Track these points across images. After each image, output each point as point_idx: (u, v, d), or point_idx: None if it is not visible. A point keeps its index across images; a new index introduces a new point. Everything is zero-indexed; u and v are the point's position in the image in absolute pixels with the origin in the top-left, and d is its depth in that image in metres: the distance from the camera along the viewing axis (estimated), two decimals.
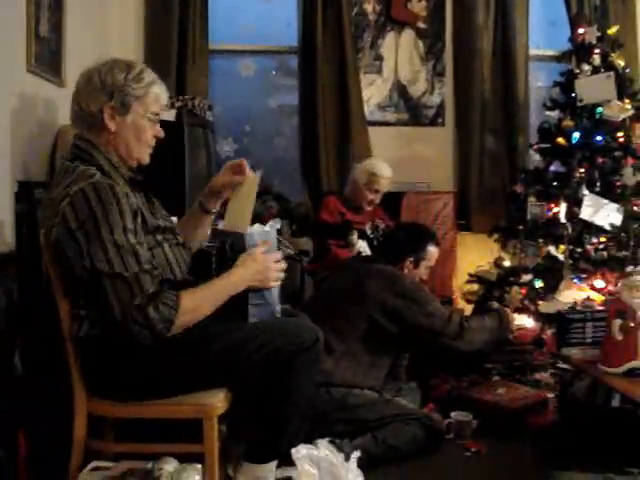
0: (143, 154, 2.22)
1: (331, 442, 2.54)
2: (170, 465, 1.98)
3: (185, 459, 2.02)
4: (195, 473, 1.93)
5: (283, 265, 2.27)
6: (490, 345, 3.22)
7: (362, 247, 4.11)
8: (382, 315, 3.04)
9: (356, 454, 2.28)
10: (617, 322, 2.64)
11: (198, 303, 2.07)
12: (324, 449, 2.28)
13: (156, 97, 2.19)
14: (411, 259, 3.25)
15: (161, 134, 2.25)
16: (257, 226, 2.31)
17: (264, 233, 2.28)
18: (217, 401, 2.18)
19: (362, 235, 4.16)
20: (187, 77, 4.71)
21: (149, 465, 2.02)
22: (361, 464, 2.29)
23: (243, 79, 5.31)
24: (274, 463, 2.28)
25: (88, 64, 2.18)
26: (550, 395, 3.45)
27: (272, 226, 2.33)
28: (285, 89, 5.41)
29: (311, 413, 2.41)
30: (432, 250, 3.32)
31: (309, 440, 2.46)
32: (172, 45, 4.80)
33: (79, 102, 2.14)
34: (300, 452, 2.18)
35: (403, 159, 5.10)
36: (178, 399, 2.17)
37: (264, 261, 2.21)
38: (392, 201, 4.64)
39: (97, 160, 2.11)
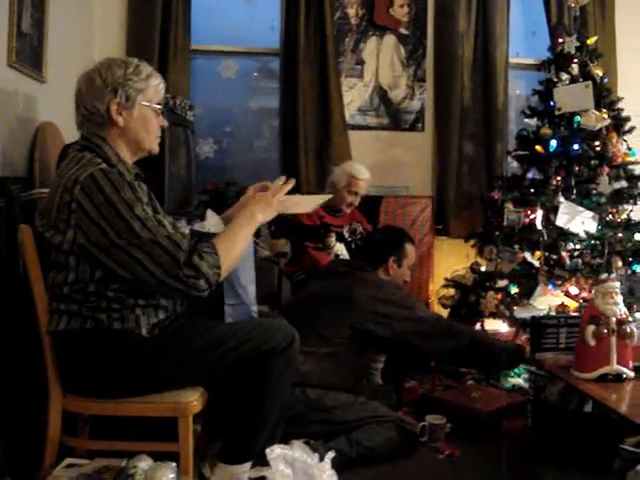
0: (153, 144, 2.28)
1: (306, 443, 2.55)
2: (144, 463, 1.98)
3: (160, 457, 2.02)
4: (169, 471, 1.93)
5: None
6: (478, 358, 3.25)
7: (340, 250, 4.13)
8: (372, 322, 3.09)
9: (330, 455, 2.28)
10: (590, 328, 2.67)
11: (231, 244, 2.13)
12: (298, 450, 2.28)
13: (156, 88, 2.25)
14: (394, 258, 3.34)
15: (165, 124, 2.32)
16: None
17: None
18: (192, 400, 2.19)
19: (340, 238, 4.17)
20: (169, 76, 4.71)
21: (123, 463, 2.01)
22: (335, 465, 2.29)
23: (224, 80, 5.31)
24: (248, 463, 2.29)
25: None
26: (523, 399, 3.48)
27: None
28: (266, 91, 5.41)
29: (286, 414, 2.43)
30: (410, 248, 3.43)
31: (284, 441, 2.47)
32: (154, 44, 4.79)
33: (84, 104, 2.18)
34: (274, 452, 2.18)
35: (382, 163, 5.13)
36: (153, 397, 2.18)
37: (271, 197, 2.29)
38: (370, 205, 4.66)
39: (105, 152, 2.15)
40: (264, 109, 5.45)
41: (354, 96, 5.23)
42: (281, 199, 2.31)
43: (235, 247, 2.15)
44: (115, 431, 2.26)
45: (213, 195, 4.61)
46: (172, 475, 1.92)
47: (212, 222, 2.32)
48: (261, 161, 5.43)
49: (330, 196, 2.60)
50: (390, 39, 5.23)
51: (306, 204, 2.55)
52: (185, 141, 4.19)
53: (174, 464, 1.96)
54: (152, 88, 2.23)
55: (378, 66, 5.24)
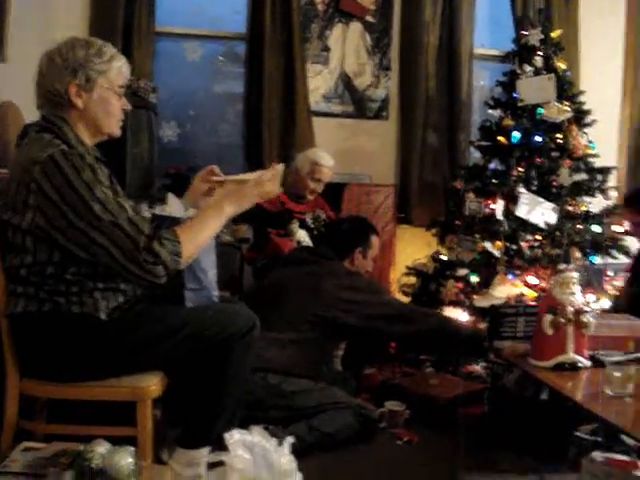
0: (114, 128, 2.24)
1: (265, 428, 2.54)
2: (102, 447, 1.95)
3: (118, 442, 2.00)
4: (128, 456, 1.91)
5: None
6: (443, 341, 3.25)
7: (302, 237, 4.12)
8: (340, 310, 3.11)
9: (289, 440, 2.28)
10: (548, 317, 2.70)
11: (195, 233, 2.11)
12: (257, 435, 2.27)
13: (119, 71, 2.20)
14: (360, 249, 3.37)
15: (128, 107, 2.27)
16: (192, 210, 2.31)
17: None
18: (152, 384, 2.18)
19: (303, 225, 4.17)
20: (132, 58, 4.65)
21: (81, 447, 1.99)
22: (294, 450, 2.29)
23: (189, 63, 5.26)
24: (207, 448, 2.29)
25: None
26: (481, 387, 3.52)
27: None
28: (231, 76, 5.38)
29: (246, 399, 2.43)
30: (375, 240, 3.46)
31: (243, 426, 2.47)
32: (118, 26, 4.72)
33: (44, 84, 2.14)
34: (233, 437, 2.17)
35: (346, 151, 5.13)
36: (112, 381, 2.16)
37: (248, 187, 2.26)
38: (333, 192, 4.65)
39: (65, 134, 2.11)
40: (228, 93, 5.41)
41: (319, 83, 5.21)
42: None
43: (199, 237, 2.12)
44: (73, 415, 2.24)
45: (175, 179, 4.57)
46: (130, 460, 1.90)
47: (173, 206, 2.30)
48: (225, 146, 5.41)
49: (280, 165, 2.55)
50: (356, 27, 5.22)
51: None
52: (148, 124, 4.15)
53: (132, 449, 1.94)
54: (115, 70, 2.19)
55: (344, 53, 5.23)
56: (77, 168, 1.98)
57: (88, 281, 2.09)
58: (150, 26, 4.86)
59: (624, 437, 2.60)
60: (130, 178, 3.54)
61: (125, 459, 1.89)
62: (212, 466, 2.22)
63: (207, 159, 5.04)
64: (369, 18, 5.23)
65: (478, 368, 3.87)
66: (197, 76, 5.34)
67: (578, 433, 2.89)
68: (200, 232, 2.13)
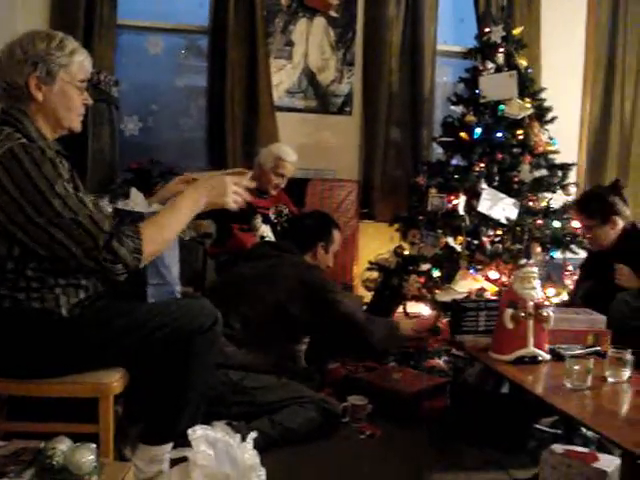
0: (75, 122, 2.21)
1: (228, 424, 2.54)
2: (63, 445, 1.93)
3: (79, 439, 1.98)
4: (89, 453, 1.89)
5: (242, 191, 2.29)
6: (388, 341, 3.32)
7: (265, 232, 4.12)
8: (296, 305, 3.11)
9: (252, 435, 2.28)
10: (509, 312, 2.73)
11: (159, 229, 2.09)
12: (220, 430, 2.27)
13: (80, 64, 2.17)
14: (322, 244, 3.37)
15: (89, 101, 2.24)
16: (156, 205, 2.29)
17: None
18: (113, 381, 2.17)
19: (266, 220, 4.16)
20: (94, 51, 4.59)
21: (42, 445, 1.97)
22: (257, 445, 2.29)
23: (151, 56, 5.22)
24: (170, 444, 2.28)
25: None
26: (443, 381, 3.55)
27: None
28: (193, 69, 5.34)
29: (208, 395, 2.42)
30: (337, 235, 3.46)
31: (206, 422, 2.46)
32: (79, 18, 4.66)
33: (3, 77, 2.11)
34: (196, 433, 2.16)
35: (309, 146, 5.14)
36: (74, 378, 2.14)
37: (220, 179, 2.25)
38: (297, 187, 4.66)
39: (26, 128, 2.08)
40: (191, 87, 5.38)
41: (282, 78, 5.20)
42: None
43: (163, 235, 2.11)
44: (33, 412, 2.21)
45: (138, 173, 4.53)
46: (92, 456, 1.88)
47: (136, 201, 2.28)
48: (187, 140, 5.38)
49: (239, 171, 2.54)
50: (320, 21, 5.22)
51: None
52: (109, 118, 4.11)
53: (94, 445, 1.92)
54: (76, 64, 2.16)
55: (307, 48, 5.22)
56: (37, 162, 1.95)
57: (49, 277, 2.06)
58: (112, 19, 4.80)
59: (584, 429, 2.64)
60: (91, 173, 3.51)
61: (87, 456, 1.87)
62: (175, 462, 2.22)
63: (170, 154, 5.04)
64: (333, 13, 5.23)
65: (440, 362, 3.91)
66: (159, 70, 5.30)
67: (538, 426, 2.93)
68: (164, 229, 2.11)
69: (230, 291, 3.19)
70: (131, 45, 5.16)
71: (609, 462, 2.32)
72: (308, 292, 3.14)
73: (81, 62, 2.17)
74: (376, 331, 3.19)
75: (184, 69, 5.39)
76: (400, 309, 4.40)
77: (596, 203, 3.45)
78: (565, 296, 4.19)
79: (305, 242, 3.39)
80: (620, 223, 3.43)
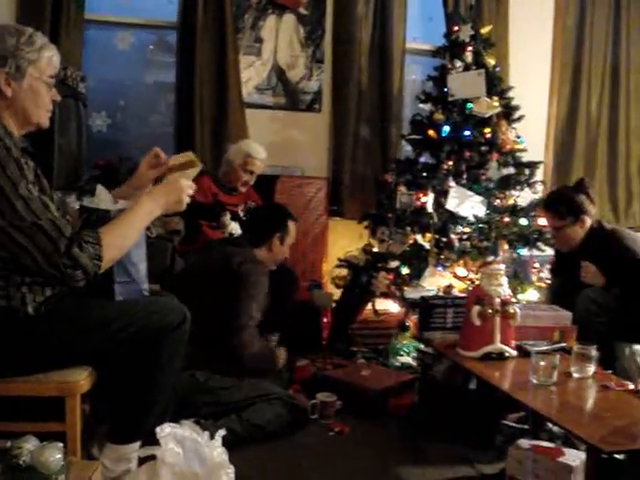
0: (43, 118, 2.18)
1: (196, 422, 2.54)
2: (30, 444, 1.92)
3: (46, 438, 1.97)
4: (56, 452, 1.88)
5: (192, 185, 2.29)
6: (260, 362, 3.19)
7: (234, 229, 4.11)
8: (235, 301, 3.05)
9: (221, 433, 2.28)
10: (476, 308, 2.76)
11: (119, 235, 2.06)
12: (189, 428, 2.27)
13: (49, 60, 2.15)
14: (278, 236, 3.32)
15: (58, 97, 2.22)
16: (122, 203, 2.27)
17: None
18: (80, 379, 2.16)
19: (235, 217, 4.15)
20: (61, 46, 4.52)
21: (8, 444, 1.95)
22: (226, 443, 2.29)
23: (119, 52, 5.17)
24: (138, 443, 2.27)
25: None
26: (412, 377, 3.57)
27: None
28: (162, 65, 5.30)
29: (176, 397, 2.42)
30: (292, 226, 3.40)
31: (173, 421, 2.46)
32: (46, 12, 4.59)
33: None
34: (164, 431, 2.16)
35: (279, 143, 5.13)
36: (40, 376, 2.13)
37: (174, 182, 2.25)
38: (266, 184, 4.65)
39: None
40: (160, 83, 5.35)
41: (252, 74, 5.19)
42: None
43: (124, 239, 2.09)
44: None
45: (105, 170, 4.49)
46: (59, 455, 1.87)
47: (102, 198, 2.26)
48: (156, 137, 5.33)
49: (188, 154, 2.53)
50: (289, 18, 5.21)
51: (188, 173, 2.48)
52: (76, 114, 4.07)
53: (61, 444, 1.91)
54: (45, 60, 2.13)
55: (277, 45, 5.21)
56: (2, 162, 1.92)
57: (15, 275, 2.04)
58: (79, 13, 4.74)
59: (550, 424, 2.68)
60: (58, 169, 3.47)
61: (54, 455, 1.86)
62: (143, 460, 2.21)
63: (138, 150, 4.99)
64: (302, 10, 5.23)
65: (409, 359, 3.93)
66: (128, 65, 5.25)
67: (505, 421, 2.96)
68: (125, 234, 2.09)
69: (182, 288, 3.11)
70: (99, 40, 5.10)
71: (575, 457, 2.36)
72: (231, 277, 3.06)
73: (50, 58, 2.15)
74: (255, 350, 3.07)
75: (153, 65, 5.35)
76: (369, 306, 4.42)
77: (565, 204, 3.49)
78: (534, 293, 4.24)
79: (261, 234, 3.34)
80: (588, 222, 3.47)
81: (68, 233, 1.94)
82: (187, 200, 2.27)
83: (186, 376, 2.84)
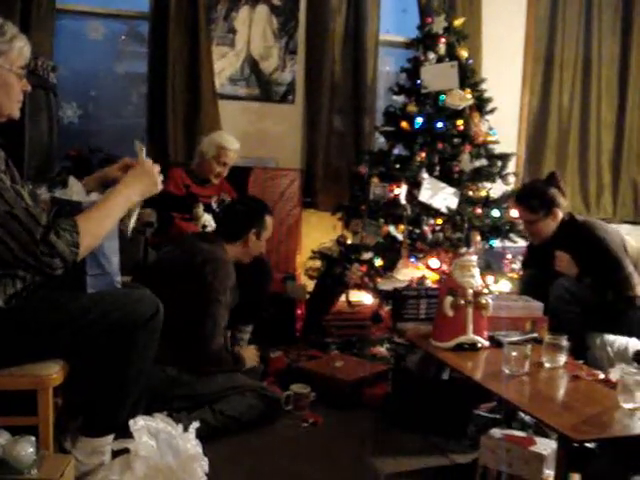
0: (14, 110, 2.16)
1: (169, 415, 2.54)
2: (2, 438, 1.91)
3: (18, 432, 1.96)
4: (29, 446, 1.87)
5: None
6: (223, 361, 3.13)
7: (207, 220, 4.09)
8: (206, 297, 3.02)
9: (195, 425, 2.28)
10: (449, 299, 2.78)
11: (96, 223, 2.05)
12: (162, 421, 2.26)
13: (20, 51, 2.12)
14: (254, 231, 3.28)
15: (28, 88, 2.19)
16: (95, 194, 2.25)
17: None
18: (53, 372, 2.14)
19: (207, 208, 4.14)
20: (31, 36, 4.46)
21: None
22: (200, 435, 2.29)
23: (91, 42, 5.12)
24: (111, 436, 2.26)
25: None
26: (385, 368, 3.59)
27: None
28: (134, 56, 5.26)
29: (150, 386, 2.41)
30: (269, 221, 3.38)
31: (147, 414, 2.45)
32: (16, 2, 4.53)
33: None
34: (138, 424, 2.15)
35: (252, 134, 5.11)
36: (12, 370, 2.11)
37: (142, 165, 2.24)
38: (239, 176, 4.63)
39: None
40: (132, 74, 5.30)
41: (225, 65, 5.16)
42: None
43: (101, 227, 2.08)
44: None
45: (77, 161, 4.46)
46: (31, 449, 1.86)
47: (74, 189, 2.24)
48: (128, 128, 5.30)
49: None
50: (262, 9, 5.18)
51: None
52: (47, 105, 4.01)
53: (33, 438, 1.90)
54: (16, 51, 2.10)
55: (250, 36, 5.18)
56: None
57: None
58: (50, 3, 4.68)
59: (522, 414, 2.70)
60: (29, 160, 3.43)
61: (26, 449, 1.85)
62: (117, 454, 2.20)
63: (109, 141, 4.95)
64: (275, 1, 5.20)
65: (382, 349, 3.95)
66: (99, 56, 5.20)
67: (478, 411, 2.99)
68: (102, 222, 2.08)
69: (153, 281, 3.08)
70: (70, 30, 5.05)
71: (546, 446, 2.38)
72: (193, 277, 3.02)
73: (21, 48, 2.12)
74: (221, 359, 3.06)
75: (125, 55, 5.30)
76: (343, 297, 4.43)
77: (537, 198, 3.52)
78: (506, 284, 4.27)
79: (237, 229, 3.30)
80: (560, 214, 3.51)
81: (43, 221, 1.93)
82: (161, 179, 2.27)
83: (157, 371, 2.82)
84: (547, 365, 2.59)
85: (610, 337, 3.25)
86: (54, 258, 1.92)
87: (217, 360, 3.04)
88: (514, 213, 4.36)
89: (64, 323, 2.10)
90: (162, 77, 4.88)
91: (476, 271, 2.85)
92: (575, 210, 5.79)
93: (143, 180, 2.22)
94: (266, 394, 3.05)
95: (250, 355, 3.29)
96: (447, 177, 4.44)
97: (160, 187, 2.28)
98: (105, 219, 2.09)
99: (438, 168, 4.49)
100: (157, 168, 2.28)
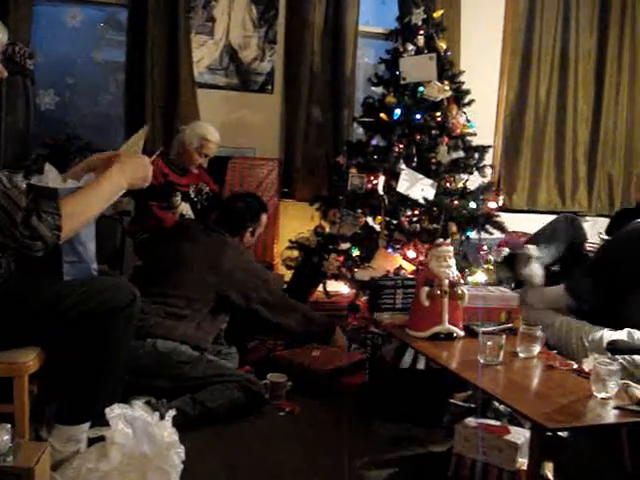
0: None
1: (147, 403, 2.54)
2: None
3: None
4: (4, 433, 1.87)
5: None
6: (303, 331, 3.51)
7: (185, 210, 4.08)
8: (234, 289, 3.25)
9: (171, 413, 2.29)
10: (425, 289, 2.80)
11: (80, 206, 2.05)
12: (139, 409, 2.27)
13: None
14: (250, 229, 3.42)
15: (4, 74, 2.19)
16: (71, 182, 2.24)
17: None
18: (28, 360, 2.14)
19: (185, 197, 4.12)
20: (8, 22, 4.42)
21: None
22: (177, 424, 2.30)
23: (69, 29, 5.06)
24: (87, 423, 2.26)
25: None
26: (362, 357, 3.61)
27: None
28: (113, 43, 5.21)
29: (132, 365, 2.44)
30: (264, 218, 3.57)
31: (127, 394, 2.46)
32: None
33: None
34: (114, 411, 2.16)
35: (230, 124, 5.10)
36: None
37: (142, 162, 2.26)
38: (217, 165, 4.62)
39: None
40: (110, 62, 5.25)
41: (204, 54, 5.13)
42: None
43: (84, 212, 2.07)
44: None
45: (53, 149, 4.42)
46: (7, 437, 1.86)
47: (51, 177, 2.23)
48: (106, 116, 5.26)
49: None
50: None
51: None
52: (24, 91, 3.99)
53: (9, 426, 1.90)
54: None
55: (229, 25, 5.16)
56: None
57: None
58: None
59: (496, 403, 2.73)
60: (5, 147, 3.41)
61: (1, 436, 1.85)
62: (93, 441, 2.20)
63: (87, 129, 4.92)
64: None
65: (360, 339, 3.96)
66: (77, 43, 5.14)
67: (453, 400, 3.01)
68: (85, 208, 2.07)
69: (168, 269, 3.24)
70: (48, 17, 4.98)
71: (520, 434, 2.42)
72: (245, 278, 3.27)
73: None
74: (297, 316, 3.44)
75: (103, 43, 5.25)
76: (320, 287, 4.44)
77: None
78: (482, 275, 4.28)
79: (235, 226, 3.46)
80: None
81: (23, 204, 1.93)
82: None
83: (148, 344, 2.88)
84: (521, 355, 2.62)
85: (587, 327, 3.23)
86: (35, 241, 1.92)
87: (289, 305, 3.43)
88: (491, 205, 4.40)
89: (40, 310, 2.09)
90: (140, 65, 4.84)
91: (452, 261, 2.87)
92: (551, 203, 5.89)
93: (138, 172, 2.22)
94: (250, 387, 3.04)
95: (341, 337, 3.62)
96: (425, 168, 4.45)
97: (147, 183, 2.27)
98: (91, 203, 2.09)
99: (416, 159, 4.49)
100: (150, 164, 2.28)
